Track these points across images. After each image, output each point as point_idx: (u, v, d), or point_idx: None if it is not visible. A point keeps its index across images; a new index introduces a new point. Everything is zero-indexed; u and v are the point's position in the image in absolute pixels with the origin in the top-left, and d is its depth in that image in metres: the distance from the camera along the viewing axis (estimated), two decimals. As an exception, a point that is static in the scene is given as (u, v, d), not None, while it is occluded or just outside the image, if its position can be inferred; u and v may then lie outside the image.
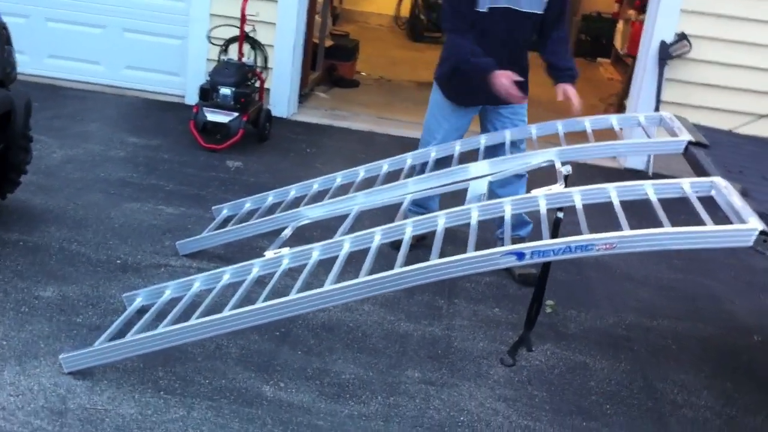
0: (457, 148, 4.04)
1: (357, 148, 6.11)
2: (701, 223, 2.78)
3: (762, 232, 2.57)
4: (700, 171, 3.39)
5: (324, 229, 4.18)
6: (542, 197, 3.15)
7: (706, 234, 2.63)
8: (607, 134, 3.99)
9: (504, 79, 3.78)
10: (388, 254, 3.55)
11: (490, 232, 4.23)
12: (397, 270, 2.80)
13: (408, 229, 3.21)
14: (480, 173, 3.72)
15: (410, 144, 6.27)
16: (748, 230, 2.58)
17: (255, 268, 3.34)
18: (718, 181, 3.04)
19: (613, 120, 4.12)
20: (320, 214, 3.87)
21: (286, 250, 3.35)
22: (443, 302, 3.90)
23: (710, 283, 4.49)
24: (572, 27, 11.45)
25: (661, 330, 3.95)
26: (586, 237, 2.67)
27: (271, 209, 4.22)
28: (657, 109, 6.13)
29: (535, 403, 3.22)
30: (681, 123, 3.91)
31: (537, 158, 3.72)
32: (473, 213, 3.17)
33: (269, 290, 3.05)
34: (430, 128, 4.32)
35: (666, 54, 6.15)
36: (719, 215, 2.86)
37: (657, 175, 6.02)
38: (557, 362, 3.54)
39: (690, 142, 3.62)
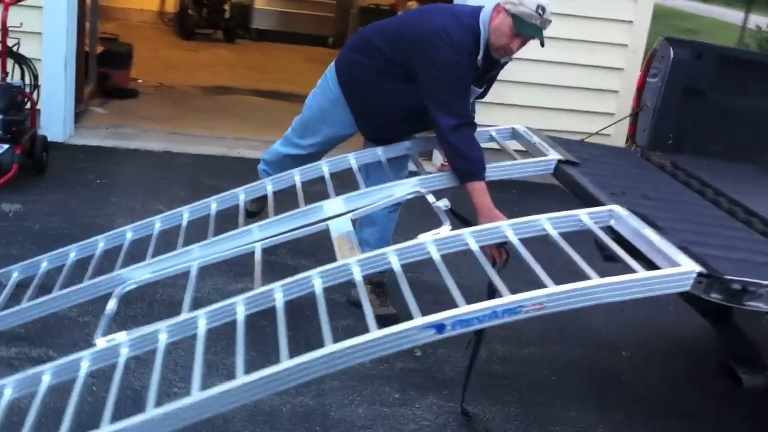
0: (326, 168, 3.56)
1: (156, 174, 5.34)
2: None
3: (699, 274, 2.31)
4: (580, 193, 3.14)
5: (153, 284, 3.47)
6: (431, 243, 2.72)
7: (643, 282, 2.35)
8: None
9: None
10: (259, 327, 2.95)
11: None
12: (287, 364, 2.26)
13: (278, 295, 2.66)
14: (336, 211, 3.24)
15: (215, 164, 5.65)
16: (685, 273, 2.32)
17: (84, 362, 2.61)
18: (618, 209, 2.78)
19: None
20: (149, 276, 3.17)
21: (122, 336, 2.67)
22: (303, 360, 3.37)
23: (566, 297, 4.30)
24: (351, 20, 11.12)
25: (534, 359, 3.69)
26: (513, 298, 2.28)
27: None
28: (473, 109, 5.92)
29: (436, 477, 2.82)
30: (539, 137, 3.66)
31: (400, 189, 3.30)
32: (354, 269, 2.68)
33: (114, 400, 2.38)
34: (307, 128, 3.77)
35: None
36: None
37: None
38: (446, 418, 3.15)
39: (560, 161, 3.37)
